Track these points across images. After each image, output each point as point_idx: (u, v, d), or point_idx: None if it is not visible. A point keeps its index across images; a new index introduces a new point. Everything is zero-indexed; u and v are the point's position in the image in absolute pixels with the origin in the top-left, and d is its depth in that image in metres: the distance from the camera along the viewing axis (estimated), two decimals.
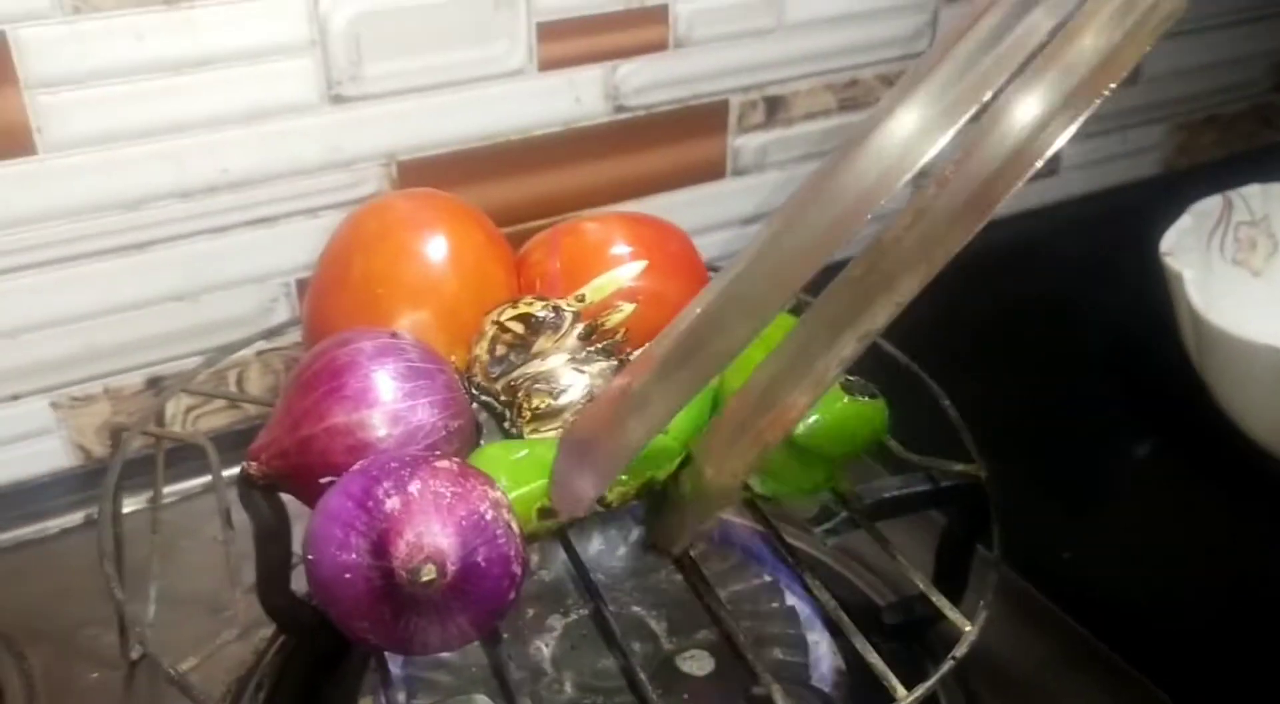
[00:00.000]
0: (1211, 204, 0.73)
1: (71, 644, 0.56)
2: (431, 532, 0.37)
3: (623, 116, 0.75)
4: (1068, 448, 0.68)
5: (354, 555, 0.37)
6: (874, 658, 0.39)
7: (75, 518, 0.65)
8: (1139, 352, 0.76)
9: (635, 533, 0.54)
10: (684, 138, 0.78)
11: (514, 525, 0.39)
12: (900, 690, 0.38)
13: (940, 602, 0.41)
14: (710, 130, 0.79)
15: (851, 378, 0.47)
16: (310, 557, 0.38)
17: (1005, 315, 0.78)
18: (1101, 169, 0.98)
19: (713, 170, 0.81)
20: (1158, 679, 0.53)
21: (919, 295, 0.34)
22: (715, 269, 0.59)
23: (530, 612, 0.53)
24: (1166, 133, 1.00)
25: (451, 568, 0.37)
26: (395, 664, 0.49)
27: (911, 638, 0.54)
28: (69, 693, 0.53)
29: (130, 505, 0.63)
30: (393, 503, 0.37)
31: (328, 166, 0.67)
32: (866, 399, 0.46)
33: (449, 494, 0.37)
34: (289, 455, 0.43)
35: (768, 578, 0.55)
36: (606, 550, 0.55)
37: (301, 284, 0.69)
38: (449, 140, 0.70)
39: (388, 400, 0.42)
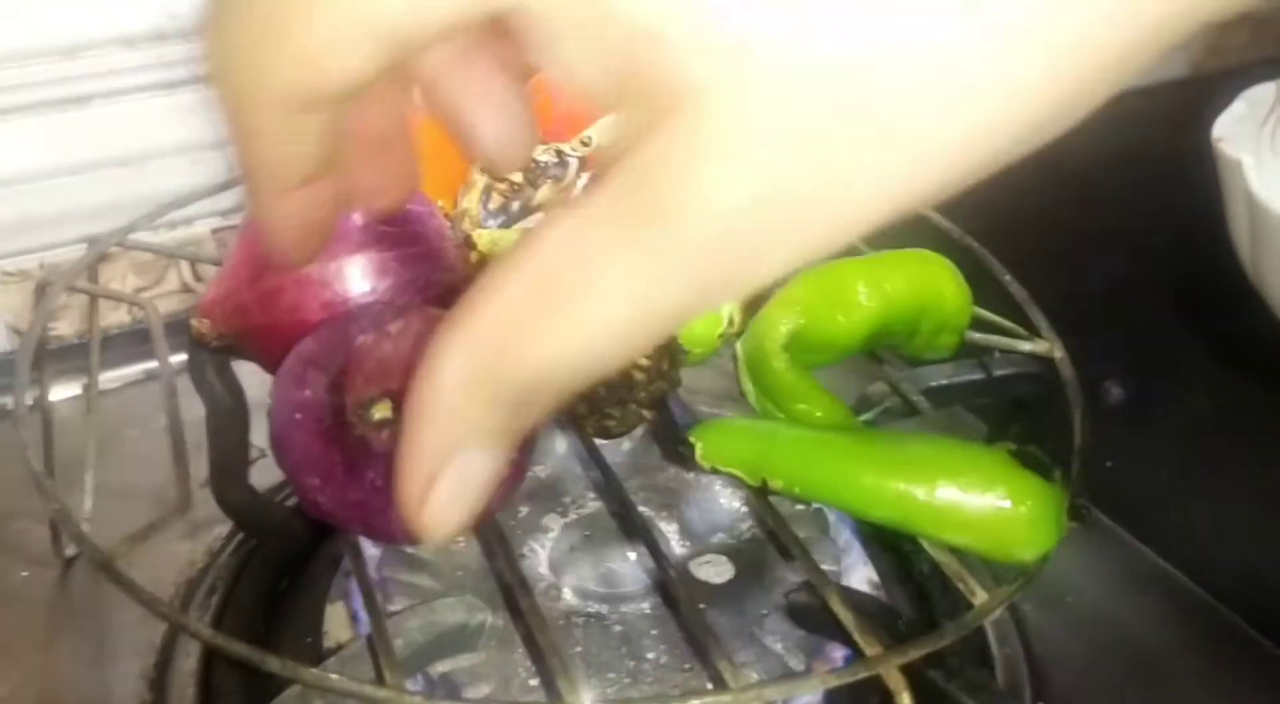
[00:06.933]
0: (1265, 91, 0.67)
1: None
2: (399, 368, 0.30)
3: None
4: (1112, 350, 0.62)
5: (308, 391, 0.30)
6: (946, 557, 0.33)
7: (7, 401, 0.57)
8: (1176, 250, 0.71)
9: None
10: None
11: None
12: (981, 594, 0.32)
13: None
14: None
15: None
16: (270, 402, 0.31)
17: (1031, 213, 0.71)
18: None
19: None
20: (1220, 596, 0.48)
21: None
22: None
23: (523, 511, 0.47)
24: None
25: None
26: (370, 564, 0.43)
27: None
28: None
29: (67, 391, 0.56)
30: (365, 338, 0.30)
31: None
32: None
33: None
34: (249, 312, 0.36)
35: None
36: (610, 444, 0.49)
37: None
38: None
39: (371, 246, 0.35)
